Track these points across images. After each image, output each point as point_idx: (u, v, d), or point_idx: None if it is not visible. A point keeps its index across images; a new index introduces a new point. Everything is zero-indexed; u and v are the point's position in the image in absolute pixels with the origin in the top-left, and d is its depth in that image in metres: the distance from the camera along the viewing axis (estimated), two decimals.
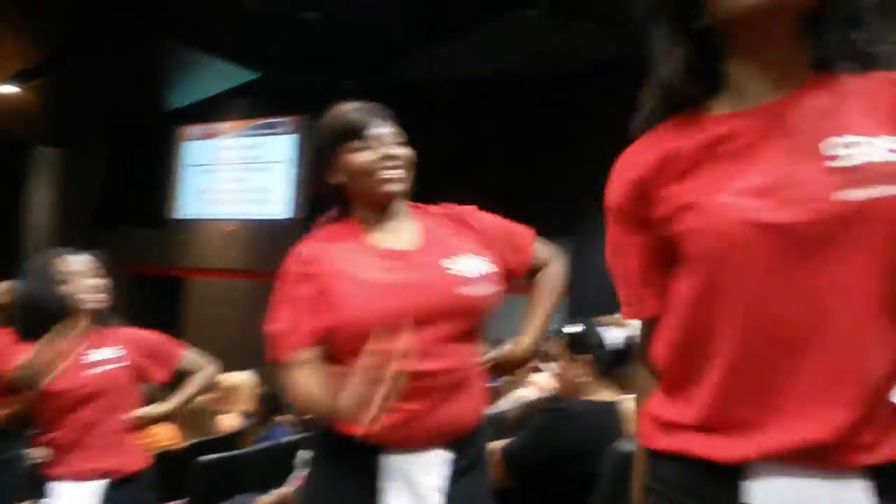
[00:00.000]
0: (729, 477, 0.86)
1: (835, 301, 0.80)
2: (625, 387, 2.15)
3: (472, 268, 1.40)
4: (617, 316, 2.33)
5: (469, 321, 1.38)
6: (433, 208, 1.55)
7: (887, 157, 0.80)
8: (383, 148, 1.45)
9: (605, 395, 2.09)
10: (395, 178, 1.44)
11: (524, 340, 1.60)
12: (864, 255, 0.81)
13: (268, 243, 10.51)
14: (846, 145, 0.82)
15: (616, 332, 2.11)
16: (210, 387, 2.72)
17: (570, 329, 2.19)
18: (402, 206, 1.49)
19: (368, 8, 8.06)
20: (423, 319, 1.31)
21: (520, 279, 1.59)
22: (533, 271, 1.62)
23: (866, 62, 0.85)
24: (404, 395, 1.16)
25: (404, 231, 1.46)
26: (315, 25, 8.46)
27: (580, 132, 7.95)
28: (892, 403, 0.84)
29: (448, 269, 1.38)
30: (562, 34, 7.29)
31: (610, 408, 2.05)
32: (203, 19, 8.31)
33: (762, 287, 0.83)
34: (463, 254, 1.42)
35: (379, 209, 1.47)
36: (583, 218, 8.78)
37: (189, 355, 2.45)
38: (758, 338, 0.85)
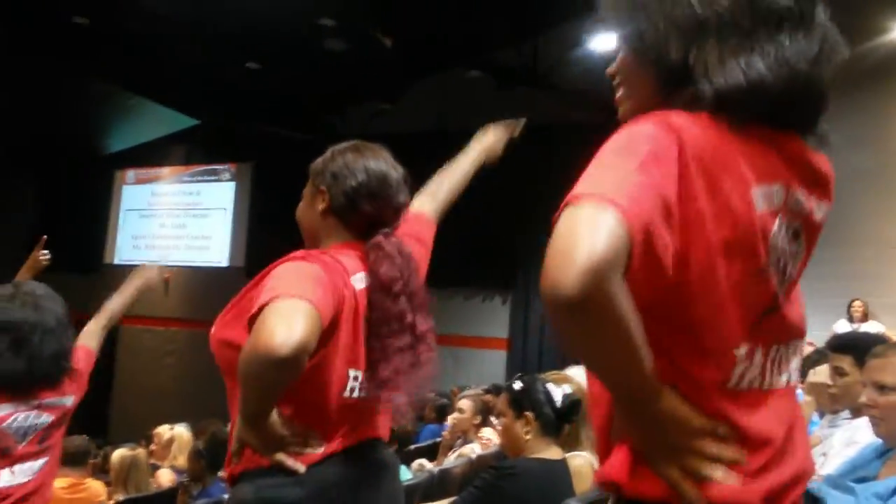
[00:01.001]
0: None
1: None
2: (569, 444, 2.18)
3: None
4: (560, 372, 2.38)
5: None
6: None
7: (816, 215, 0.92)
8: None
9: (551, 452, 2.10)
10: None
11: None
12: None
13: (206, 291, 10.31)
14: None
15: (561, 389, 2.13)
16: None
17: (513, 385, 2.20)
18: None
19: (310, 60, 8.18)
20: None
21: None
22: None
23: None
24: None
25: None
26: (257, 74, 8.52)
27: (520, 191, 8.19)
28: None
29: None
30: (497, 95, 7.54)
31: (558, 465, 2.06)
32: (144, 64, 8.26)
33: None
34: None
35: None
36: (522, 273, 9.01)
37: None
38: None
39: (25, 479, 1.92)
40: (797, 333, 0.91)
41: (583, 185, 0.74)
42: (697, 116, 0.81)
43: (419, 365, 1.38)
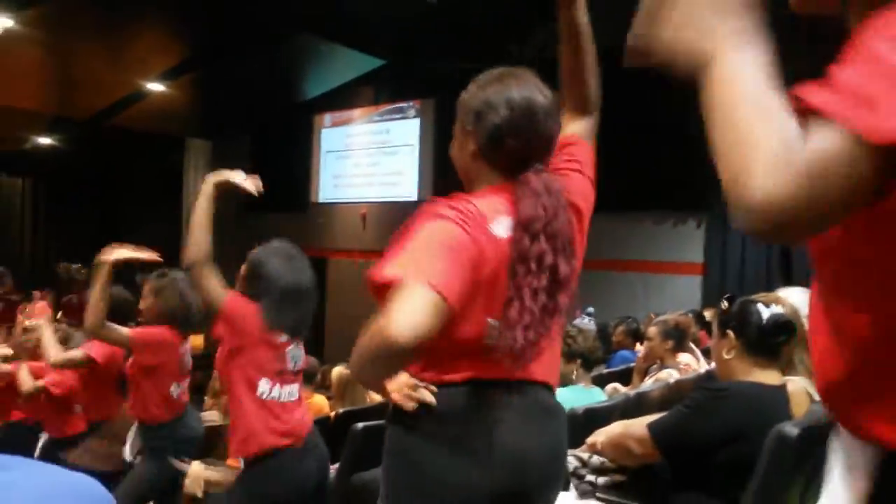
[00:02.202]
0: None
1: None
2: (783, 368, 2.06)
3: None
4: (771, 294, 2.24)
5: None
6: None
7: None
8: None
9: (765, 376, 1.98)
10: None
11: None
12: None
13: (399, 225, 10.82)
14: None
15: (770, 309, 2.00)
16: None
17: (725, 305, 2.10)
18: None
19: None
20: None
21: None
22: None
23: None
24: None
25: None
26: (436, 9, 8.58)
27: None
28: None
29: None
30: None
31: (774, 390, 1.97)
32: (330, 11, 8.63)
33: None
34: None
35: None
36: (717, 194, 8.28)
37: None
38: None
39: (291, 400, 2.42)
40: None
41: None
42: None
43: (556, 311, 1.31)
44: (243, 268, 2.48)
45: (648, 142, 7.62)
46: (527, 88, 1.39)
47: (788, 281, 7.18)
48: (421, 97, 10.75)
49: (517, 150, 1.36)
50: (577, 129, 1.53)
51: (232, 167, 2.59)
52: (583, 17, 1.49)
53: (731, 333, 2.02)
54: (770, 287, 7.01)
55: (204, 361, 4.52)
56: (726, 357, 2.01)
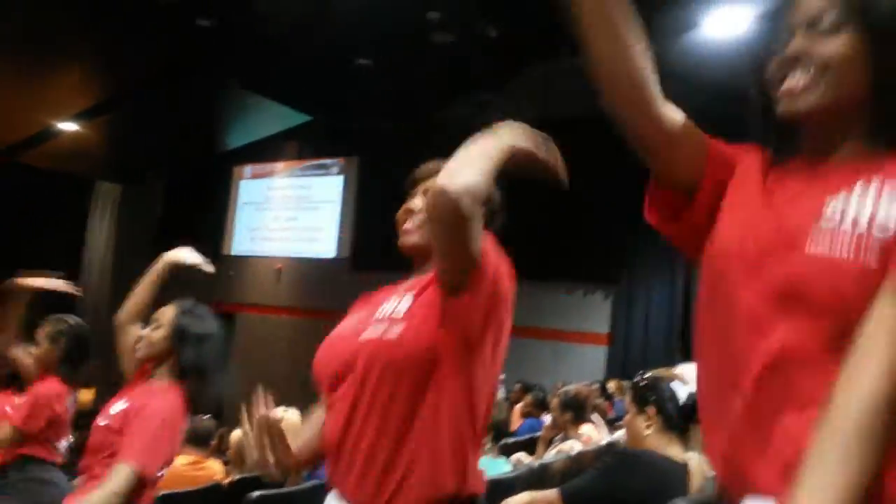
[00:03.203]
0: None
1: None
2: (689, 443, 2.12)
3: (391, 307, 1.24)
4: (669, 370, 2.32)
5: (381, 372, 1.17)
6: None
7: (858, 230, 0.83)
8: (409, 200, 1.36)
9: (673, 450, 2.05)
10: (406, 230, 1.33)
11: None
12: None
13: (315, 281, 10.69)
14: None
15: (686, 388, 2.07)
16: None
17: (638, 380, 2.16)
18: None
19: (417, 54, 8.30)
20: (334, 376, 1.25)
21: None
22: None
23: None
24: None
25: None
26: (366, 70, 8.74)
27: (629, 186, 7.88)
28: None
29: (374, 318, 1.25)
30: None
31: (679, 466, 2.02)
32: (258, 64, 8.65)
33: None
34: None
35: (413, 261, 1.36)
36: (627, 268, 8.75)
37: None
38: None
39: None
40: None
41: None
42: None
43: None
44: None
45: (565, 214, 7.88)
46: None
47: (687, 353, 7.48)
48: (346, 155, 10.82)
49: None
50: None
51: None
52: None
53: (650, 410, 2.07)
54: (670, 359, 7.31)
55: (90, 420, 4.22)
56: (646, 432, 2.06)
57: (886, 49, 0.84)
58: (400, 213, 1.36)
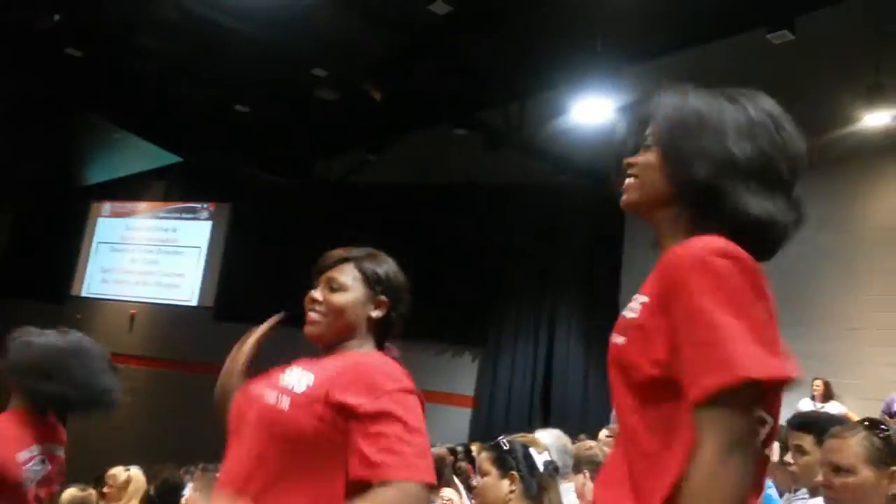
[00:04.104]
0: None
1: None
2: None
3: (290, 380, 1.33)
4: (528, 435, 2.36)
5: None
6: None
7: (625, 314, 1.02)
8: (313, 291, 1.44)
9: None
10: (310, 320, 1.42)
11: None
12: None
13: (172, 330, 10.12)
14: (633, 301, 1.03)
15: (542, 455, 2.10)
16: None
17: (500, 443, 2.16)
18: (348, 346, 1.42)
19: (298, 106, 8.28)
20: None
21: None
22: None
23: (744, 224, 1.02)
24: None
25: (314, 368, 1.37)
26: (243, 116, 8.59)
27: (492, 246, 8.25)
28: None
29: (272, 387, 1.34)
30: (483, 155, 7.65)
31: None
32: (131, 99, 8.29)
33: None
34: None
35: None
36: (494, 331, 8.98)
37: None
38: None
39: None
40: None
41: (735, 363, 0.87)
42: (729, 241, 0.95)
43: None
44: None
45: (436, 275, 7.99)
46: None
47: (547, 417, 7.72)
48: (217, 200, 10.47)
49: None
50: None
51: None
52: None
53: (515, 475, 2.08)
54: (531, 422, 7.49)
55: None
56: (509, 497, 2.06)
57: (672, 165, 1.05)
58: (306, 300, 1.42)
